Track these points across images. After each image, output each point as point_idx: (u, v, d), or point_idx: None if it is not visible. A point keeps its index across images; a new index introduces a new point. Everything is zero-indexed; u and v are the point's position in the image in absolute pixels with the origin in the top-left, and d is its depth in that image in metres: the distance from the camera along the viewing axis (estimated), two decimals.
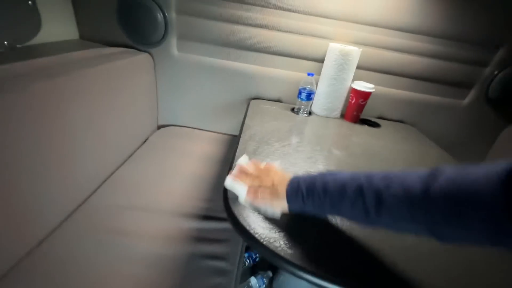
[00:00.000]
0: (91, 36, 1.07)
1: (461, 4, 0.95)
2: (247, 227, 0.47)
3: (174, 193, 0.86)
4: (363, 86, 1.00)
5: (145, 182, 0.89)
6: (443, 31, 1.00)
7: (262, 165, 0.56)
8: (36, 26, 0.86)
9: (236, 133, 1.27)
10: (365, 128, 1.05)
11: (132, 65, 0.98)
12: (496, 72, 1.07)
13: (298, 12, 1.00)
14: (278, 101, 1.17)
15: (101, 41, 1.06)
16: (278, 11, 1.00)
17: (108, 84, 0.83)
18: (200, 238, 0.73)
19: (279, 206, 0.47)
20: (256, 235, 0.45)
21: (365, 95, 1.01)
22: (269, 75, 1.12)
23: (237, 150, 0.70)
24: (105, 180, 0.88)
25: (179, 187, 0.89)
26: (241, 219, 0.48)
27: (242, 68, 1.11)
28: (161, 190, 0.87)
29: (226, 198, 0.53)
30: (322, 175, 0.44)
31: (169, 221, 0.77)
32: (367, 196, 0.36)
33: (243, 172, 0.53)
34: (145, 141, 1.13)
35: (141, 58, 1.04)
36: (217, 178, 0.96)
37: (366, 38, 1.03)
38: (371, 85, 1.01)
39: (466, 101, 1.15)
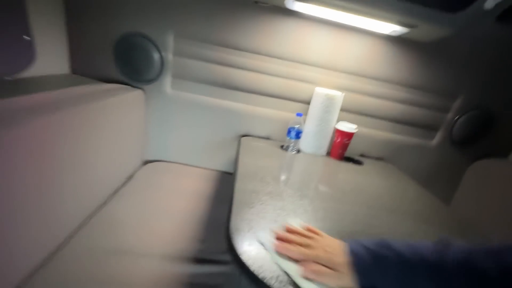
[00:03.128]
0: (83, 70, 1.07)
1: (425, 60, 1.12)
2: (257, 271, 0.45)
3: (163, 234, 0.82)
4: (346, 126, 1.08)
5: (132, 222, 0.84)
6: (411, 82, 1.15)
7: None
8: (29, 59, 0.85)
9: (226, 169, 1.27)
10: (350, 165, 1.11)
11: (124, 101, 0.98)
12: (456, 118, 1.22)
13: (287, 60, 1.10)
14: (268, 138, 1.22)
15: (93, 76, 1.06)
16: (268, 57, 1.09)
17: (98, 121, 0.81)
18: (192, 283, 0.69)
19: (341, 282, 0.39)
20: (266, 280, 0.44)
21: (349, 135, 1.09)
22: (259, 114, 1.17)
23: (235, 188, 0.71)
24: (87, 221, 0.81)
25: (168, 227, 0.85)
26: (249, 262, 0.47)
27: (233, 106, 1.16)
28: (149, 230, 0.82)
29: (229, 237, 0.52)
30: (383, 243, 0.39)
31: (159, 265, 0.71)
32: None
33: (290, 238, 0.47)
34: (131, 177, 1.09)
35: (134, 95, 1.05)
36: (210, 217, 0.93)
37: (347, 85, 1.15)
38: (354, 126, 1.09)
39: (435, 141, 1.28)
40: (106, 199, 0.93)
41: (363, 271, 0.38)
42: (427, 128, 1.26)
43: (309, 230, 0.50)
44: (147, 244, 0.77)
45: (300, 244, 0.46)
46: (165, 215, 0.90)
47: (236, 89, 1.14)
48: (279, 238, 0.48)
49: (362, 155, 1.27)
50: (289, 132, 1.08)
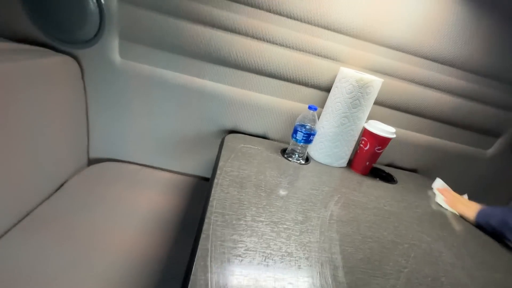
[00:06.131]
0: None
1: (507, 40, 0.74)
2: None
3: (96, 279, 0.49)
4: (381, 129, 0.73)
5: (40, 267, 0.51)
6: (482, 66, 0.78)
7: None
8: None
9: (202, 173, 0.93)
10: (379, 184, 0.77)
11: (45, 71, 0.61)
12: None
13: (300, 21, 0.71)
14: (264, 137, 0.86)
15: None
16: (272, 15, 0.70)
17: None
18: None
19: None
20: None
21: (384, 141, 0.74)
22: (253, 102, 0.81)
23: (208, 208, 0.40)
24: None
25: (104, 275, 0.52)
26: None
27: (215, 89, 0.78)
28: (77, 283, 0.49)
29: None
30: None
31: None
32: None
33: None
34: (62, 184, 0.74)
35: (60, 63, 0.67)
36: (171, 253, 0.60)
37: (386, 66, 0.77)
38: (392, 129, 0.74)
39: (491, 151, 0.94)
40: (13, 226, 0.58)
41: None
42: (484, 132, 0.91)
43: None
44: None
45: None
46: (101, 251, 0.56)
47: (221, 64, 0.76)
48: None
49: (390, 165, 0.93)
50: (295, 131, 0.73)
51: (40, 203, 0.66)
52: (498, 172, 0.98)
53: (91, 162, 0.87)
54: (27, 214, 0.62)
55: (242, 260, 0.38)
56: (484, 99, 0.84)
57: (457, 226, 0.66)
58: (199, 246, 0.38)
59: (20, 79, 0.55)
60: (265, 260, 0.39)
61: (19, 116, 0.55)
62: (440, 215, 0.69)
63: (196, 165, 0.91)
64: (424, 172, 0.96)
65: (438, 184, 0.81)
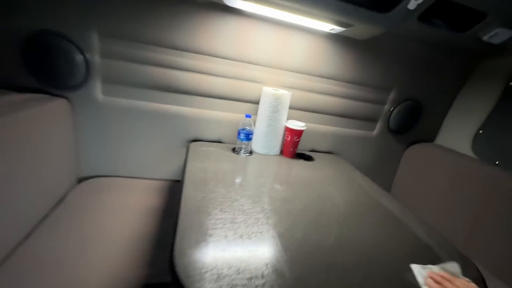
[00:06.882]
0: None
1: (363, 57, 1.18)
2: None
3: (104, 263, 0.72)
4: (296, 125, 1.09)
5: (65, 254, 0.72)
6: (352, 77, 1.21)
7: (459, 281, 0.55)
8: None
9: (177, 177, 1.19)
10: (302, 162, 1.13)
11: (45, 113, 0.83)
12: (391, 109, 1.33)
13: (231, 59, 1.05)
14: (219, 141, 1.17)
15: (1, 85, 0.87)
16: (212, 57, 1.03)
17: (13, 138, 0.67)
18: None
19: None
20: None
21: (299, 133, 1.10)
22: (207, 117, 1.11)
23: (182, 200, 0.65)
24: (6, 261, 0.67)
25: (110, 253, 0.75)
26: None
27: (178, 111, 1.08)
28: (87, 261, 0.72)
29: (173, 265, 0.47)
30: None
31: None
32: None
33: (443, 284, 0.54)
34: (61, 199, 0.94)
35: (56, 105, 0.90)
36: (159, 234, 0.86)
37: (293, 83, 1.15)
38: (303, 124, 1.11)
39: (375, 132, 1.39)
40: (31, 230, 0.78)
41: None
42: (368, 120, 1.35)
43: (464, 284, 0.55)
44: (84, 278, 0.67)
45: None
46: (106, 239, 0.80)
47: (179, 92, 1.05)
48: (433, 278, 0.56)
49: (312, 150, 1.31)
50: (239, 134, 1.05)
51: (50, 210, 0.86)
52: (383, 146, 1.43)
53: (80, 180, 1.07)
54: (41, 221, 0.82)
55: (213, 220, 0.67)
56: (362, 98, 1.28)
57: (346, 181, 1.04)
58: (178, 226, 0.57)
59: (28, 121, 0.75)
60: (233, 220, 0.64)
61: (30, 147, 0.75)
62: (340, 174, 1.07)
63: (169, 171, 1.17)
64: (337, 152, 1.36)
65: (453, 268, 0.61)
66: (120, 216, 0.90)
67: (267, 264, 0.52)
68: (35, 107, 0.79)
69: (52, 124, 0.88)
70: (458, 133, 1.34)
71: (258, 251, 0.56)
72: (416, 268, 0.60)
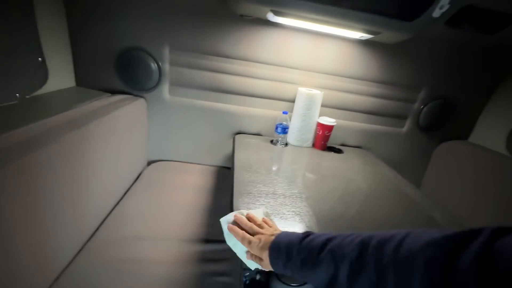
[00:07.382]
0: (88, 83, 1.17)
1: (391, 59, 1.28)
2: None
3: (175, 222, 0.96)
4: (327, 120, 1.24)
5: (145, 214, 0.98)
6: (381, 78, 1.31)
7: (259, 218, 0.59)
8: (43, 78, 0.96)
9: (223, 164, 1.42)
10: (331, 154, 1.28)
11: (130, 111, 1.10)
12: (421, 107, 1.40)
13: (271, 64, 1.24)
14: (258, 134, 1.36)
15: (97, 87, 1.17)
16: (255, 63, 1.23)
17: (110, 131, 0.94)
18: (204, 259, 0.84)
19: (265, 266, 0.50)
20: None
21: (329, 128, 1.25)
22: (249, 113, 1.32)
23: (234, 179, 0.85)
24: (107, 216, 0.94)
25: (178, 216, 0.99)
26: None
27: (226, 108, 1.30)
28: (161, 220, 0.96)
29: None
30: (300, 241, 0.45)
31: (175, 247, 0.86)
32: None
33: (244, 222, 0.57)
34: (139, 176, 1.22)
35: (137, 104, 1.17)
36: (213, 206, 1.08)
37: (325, 83, 1.30)
38: (333, 120, 1.25)
39: (405, 129, 1.46)
40: (121, 197, 1.06)
41: (272, 262, 0.48)
42: (397, 117, 1.43)
43: (265, 221, 0.59)
44: (162, 231, 0.91)
45: (248, 231, 0.56)
46: (174, 206, 1.04)
47: (228, 93, 1.27)
48: (236, 221, 0.59)
49: (342, 145, 1.44)
50: (277, 128, 1.23)
51: (131, 184, 1.14)
52: (413, 143, 1.49)
53: (149, 163, 1.35)
54: (127, 191, 1.10)
55: (258, 191, 0.87)
56: (391, 97, 1.37)
57: (372, 170, 1.16)
58: (234, 192, 0.79)
59: (122, 117, 1.02)
60: (274, 192, 0.85)
61: (117, 137, 1.00)
62: (367, 166, 1.19)
63: (218, 158, 1.40)
64: (366, 148, 1.47)
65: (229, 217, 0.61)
66: (182, 191, 1.15)
67: (300, 224, 0.70)
68: (125, 106, 1.06)
69: (135, 119, 1.15)
70: (493, 131, 1.36)
71: (294, 214, 0.73)
72: (224, 219, 0.59)
